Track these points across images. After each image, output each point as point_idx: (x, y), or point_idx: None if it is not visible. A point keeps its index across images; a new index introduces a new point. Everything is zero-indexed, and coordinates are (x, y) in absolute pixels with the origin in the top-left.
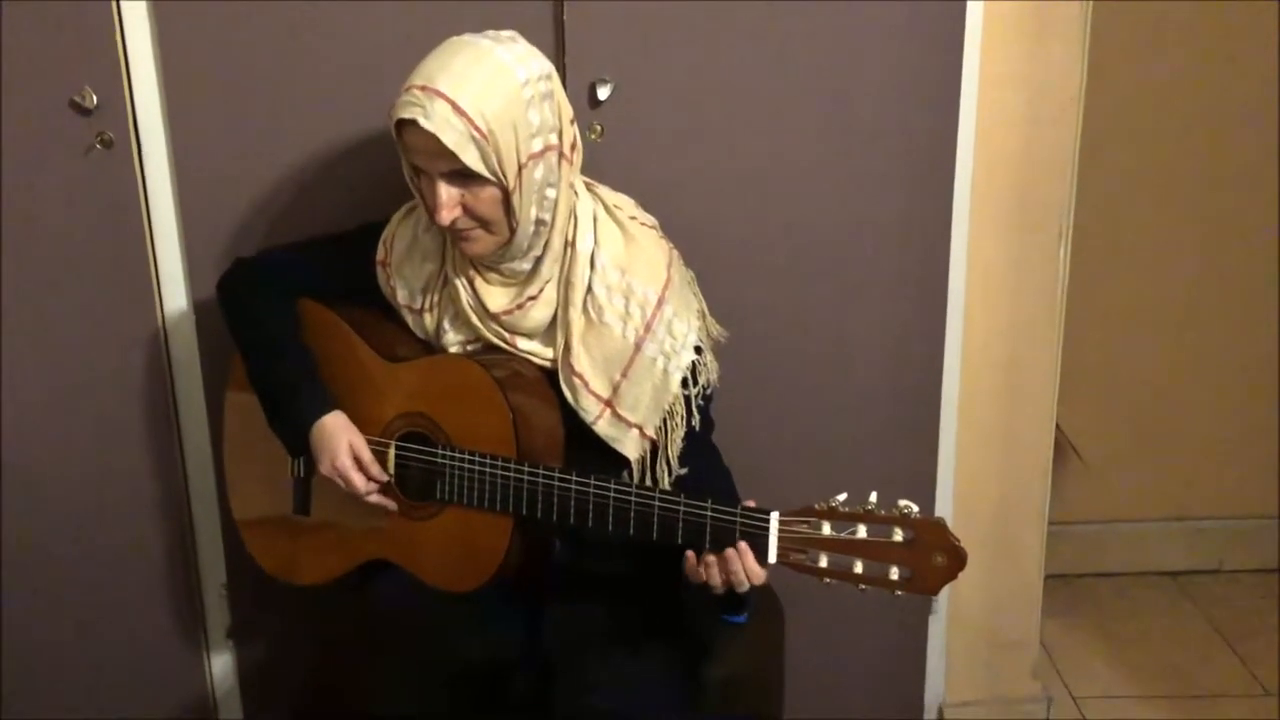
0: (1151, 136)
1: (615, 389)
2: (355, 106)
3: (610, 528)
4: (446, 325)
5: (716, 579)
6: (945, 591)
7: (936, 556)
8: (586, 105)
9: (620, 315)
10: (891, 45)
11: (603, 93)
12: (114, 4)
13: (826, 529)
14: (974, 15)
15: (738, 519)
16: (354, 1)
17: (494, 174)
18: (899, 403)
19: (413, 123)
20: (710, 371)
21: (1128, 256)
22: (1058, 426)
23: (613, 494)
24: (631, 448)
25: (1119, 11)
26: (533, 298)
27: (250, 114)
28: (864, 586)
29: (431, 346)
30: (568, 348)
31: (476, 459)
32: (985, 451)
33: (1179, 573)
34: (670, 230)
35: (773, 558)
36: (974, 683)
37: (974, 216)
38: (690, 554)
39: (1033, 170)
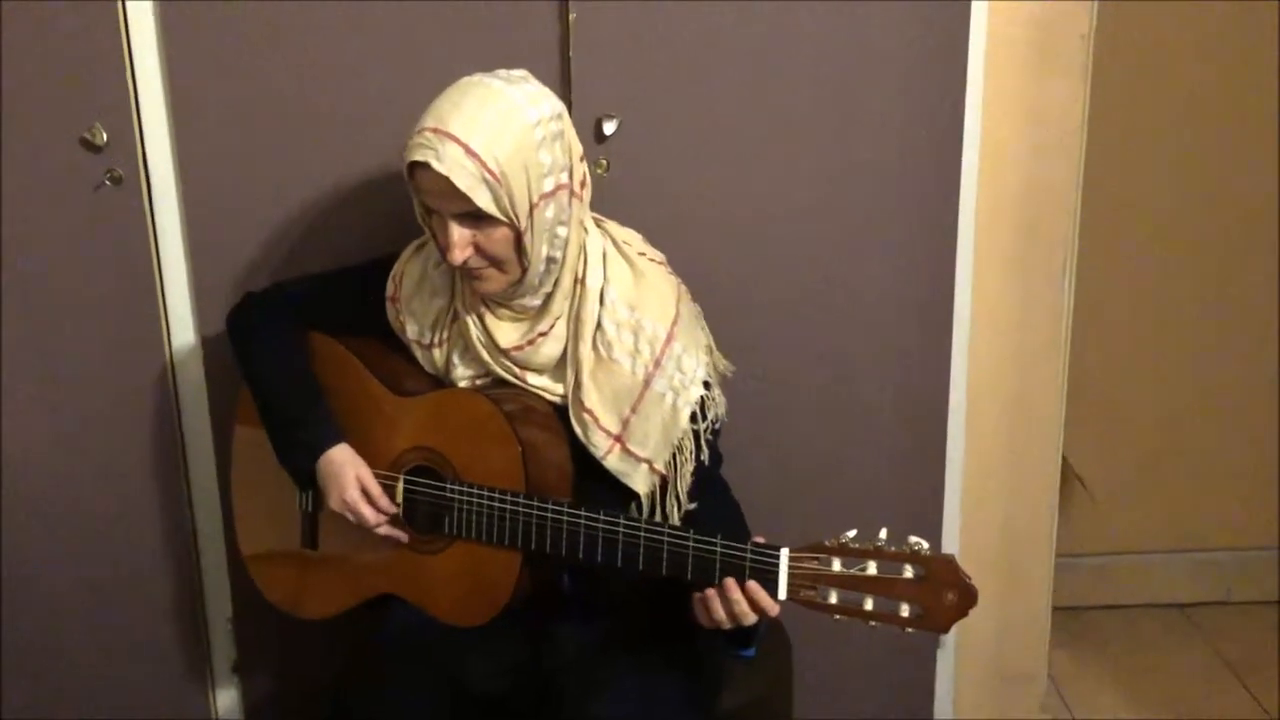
0: (1155, 167)
1: (625, 424)
2: (364, 143)
3: (619, 563)
4: (456, 360)
5: (721, 613)
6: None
7: (947, 594)
8: (592, 140)
9: (630, 351)
10: (895, 78)
11: (608, 128)
12: (124, 41)
13: (837, 565)
14: (977, 48)
15: (748, 555)
16: (363, 39)
17: (506, 215)
18: (905, 434)
19: (425, 165)
20: (718, 406)
21: (1132, 287)
22: (1064, 458)
23: (622, 529)
24: (641, 483)
25: (1121, 43)
26: (543, 334)
27: (259, 150)
28: (874, 623)
29: (441, 381)
30: (578, 384)
31: (485, 493)
32: (992, 483)
33: (1186, 604)
34: (675, 263)
35: (783, 594)
36: (982, 715)
37: (978, 248)
38: (697, 595)
39: (1037, 200)
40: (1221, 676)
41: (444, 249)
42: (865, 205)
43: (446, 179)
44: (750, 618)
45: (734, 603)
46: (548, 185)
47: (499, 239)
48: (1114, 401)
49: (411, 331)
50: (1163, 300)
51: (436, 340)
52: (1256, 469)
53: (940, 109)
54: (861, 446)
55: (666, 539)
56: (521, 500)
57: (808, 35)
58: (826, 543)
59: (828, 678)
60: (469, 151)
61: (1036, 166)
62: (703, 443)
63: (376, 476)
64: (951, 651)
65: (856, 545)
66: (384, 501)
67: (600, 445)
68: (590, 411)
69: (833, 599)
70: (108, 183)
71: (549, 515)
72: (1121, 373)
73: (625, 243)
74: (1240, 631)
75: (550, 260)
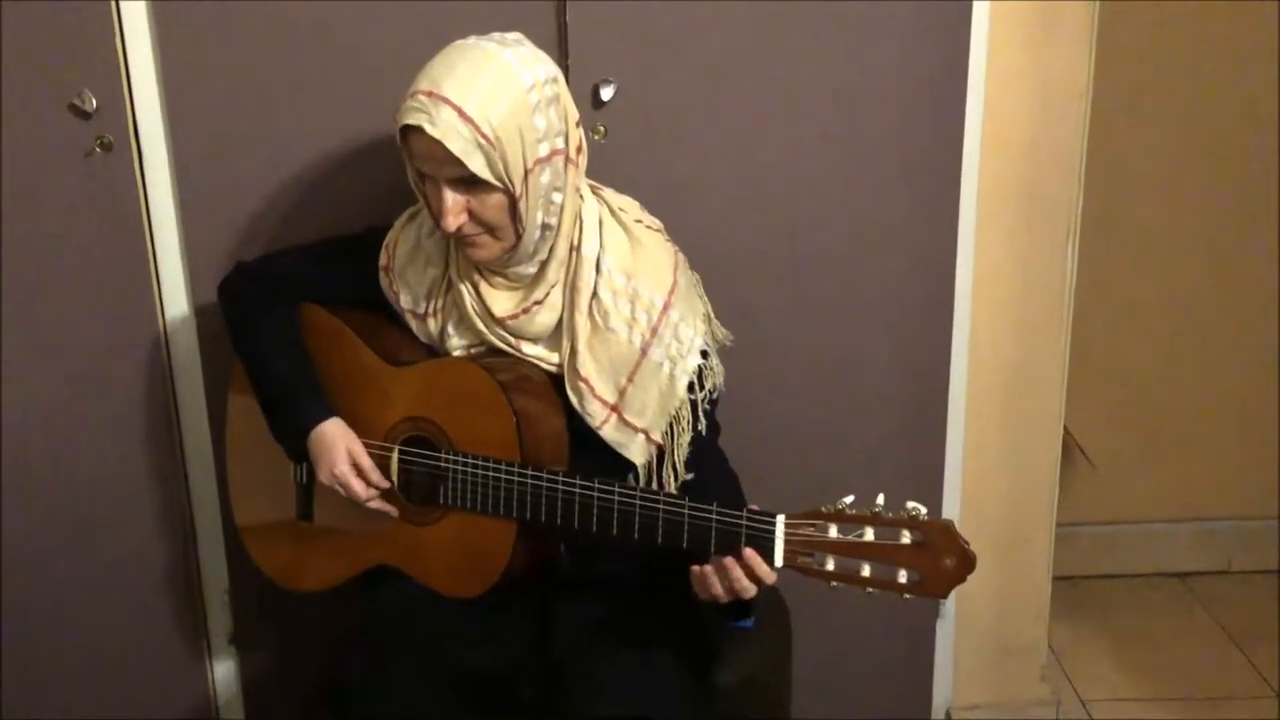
0: (1159, 135)
1: (621, 394)
2: (357, 109)
3: (615, 532)
4: (451, 330)
5: (719, 588)
6: (953, 594)
7: (945, 559)
8: (589, 106)
9: (626, 320)
10: (898, 44)
11: (606, 93)
12: (113, 6)
13: (833, 531)
14: (981, 14)
15: (743, 522)
16: (356, 4)
17: (500, 180)
18: (906, 404)
19: (418, 129)
20: (716, 375)
21: (1135, 257)
22: (1065, 428)
23: (617, 498)
24: (638, 453)
25: (1125, 10)
26: (538, 302)
27: (251, 116)
28: (872, 590)
29: (435, 350)
30: (573, 352)
31: (480, 463)
32: (993, 453)
33: (1187, 574)
34: (673, 231)
35: (779, 561)
36: (982, 686)
37: (980, 217)
38: (695, 569)
39: (1040, 170)
40: (1222, 646)
41: (437, 215)
42: (866, 172)
43: (440, 143)
44: (750, 591)
45: (734, 580)
46: (543, 150)
47: (493, 205)
48: (1116, 371)
49: (405, 301)
50: (1166, 269)
51: (431, 310)
52: (1258, 439)
53: (943, 75)
54: (862, 416)
55: (662, 507)
56: (516, 470)
57: (809, 1)
58: (823, 509)
59: (827, 649)
60: (463, 115)
61: (1040, 133)
62: (700, 413)
63: (371, 447)
64: (951, 622)
65: (853, 511)
66: (375, 475)
67: (596, 415)
68: (586, 381)
69: (830, 566)
70: (98, 150)
71: (544, 485)
72: (1124, 342)
73: (622, 210)
74: (1241, 601)
75: (545, 227)
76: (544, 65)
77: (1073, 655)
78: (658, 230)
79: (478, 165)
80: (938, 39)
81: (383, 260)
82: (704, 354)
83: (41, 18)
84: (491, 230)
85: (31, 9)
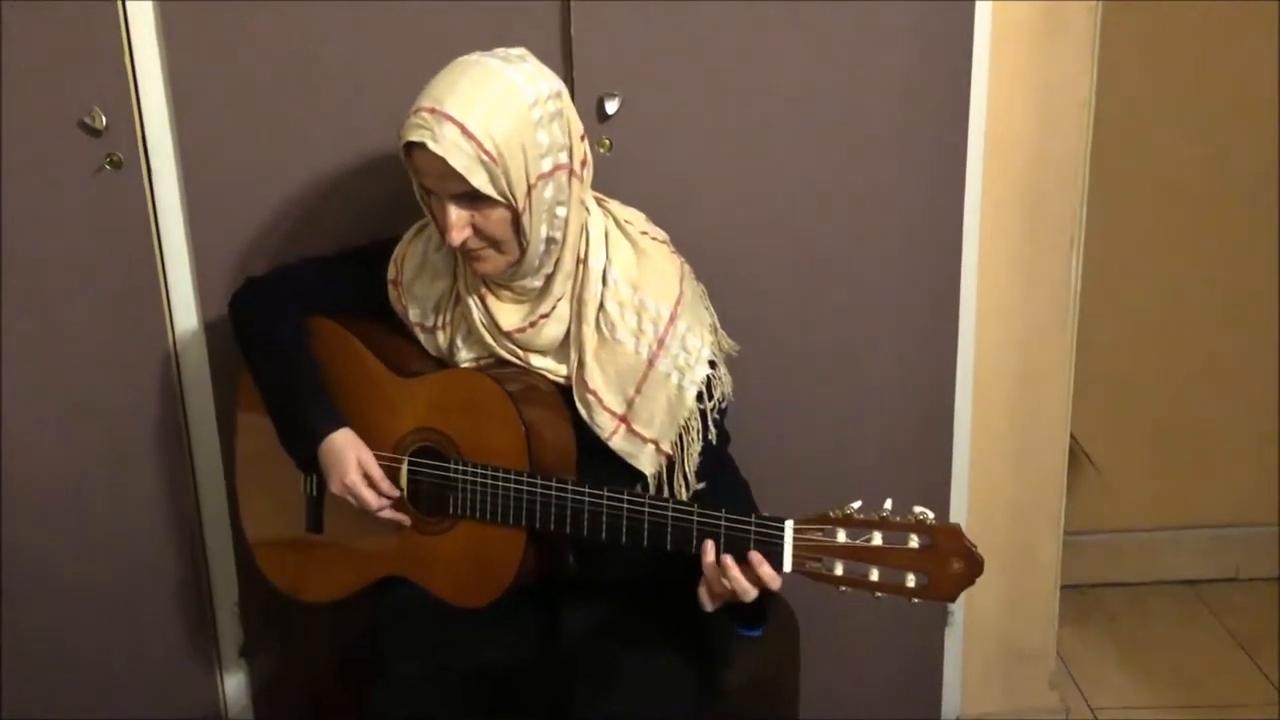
0: (1162, 142)
1: (629, 405)
2: (365, 125)
3: (624, 539)
4: (459, 343)
5: (725, 587)
6: (961, 602)
7: (953, 562)
8: (595, 119)
9: (633, 331)
10: (900, 52)
11: (611, 106)
12: (122, 24)
13: (842, 536)
14: (983, 21)
15: (752, 527)
16: (362, 20)
17: (503, 196)
18: (912, 413)
19: (421, 145)
20: (725, 385)
21: (1140, 264)
22: (1072, 435)
23: (626, 505)
24: (647, 463)
25: (1128, 16)
26: (545, 315)
27: (260, 133)
28: (880, 594)
29: (444, 361)
30: (581, 364)
31: (489, 473)
32: (999, 461)
33: (1195, 581)
34: (679, 243)
35: (788, 566)
36: (990, 695)
37: (985, 225)
38: (704, 575)
39: (1044, 177)
40: (1230, 653)
41: (442, 230)
42: (870, 181)
43: (443, 160)
44: (751, 593)
45: (733, 579)
46: (545, 165)
47: (497, 220)
48: (1122, 378)
49: (414, 315)
50: (1170, 276)
51: (439, 323)
52: (1264, 446)
53: (946, 82)
54: (868, 424)
55: (670, 514)
56: (525, 479)
57: (812, 9)
58: (831, 514)
59: (835, 658)
60: (465, 132)
61: (1044, 141)
62: (709, 422)
63: (380, 459)
64: (959, 630)
65: (861, 516)
66: (386, 485)
67: (605, 426)
68: (594, 392)
69: (838, 570)
70: (108, 167)
71: (553, 493)
72: (1130, 349)
73: (628, 222)
74: (1248, 608)
75: (550, 241)
76: (547, 81)
77: (1081, 663)
78: (663, 241)
79: (480, 182)
80: (940, 47)
81: (391, 274)
82: (712, 364)
83: (51, 35)
84: (496, 244)
85: (41, 27)
